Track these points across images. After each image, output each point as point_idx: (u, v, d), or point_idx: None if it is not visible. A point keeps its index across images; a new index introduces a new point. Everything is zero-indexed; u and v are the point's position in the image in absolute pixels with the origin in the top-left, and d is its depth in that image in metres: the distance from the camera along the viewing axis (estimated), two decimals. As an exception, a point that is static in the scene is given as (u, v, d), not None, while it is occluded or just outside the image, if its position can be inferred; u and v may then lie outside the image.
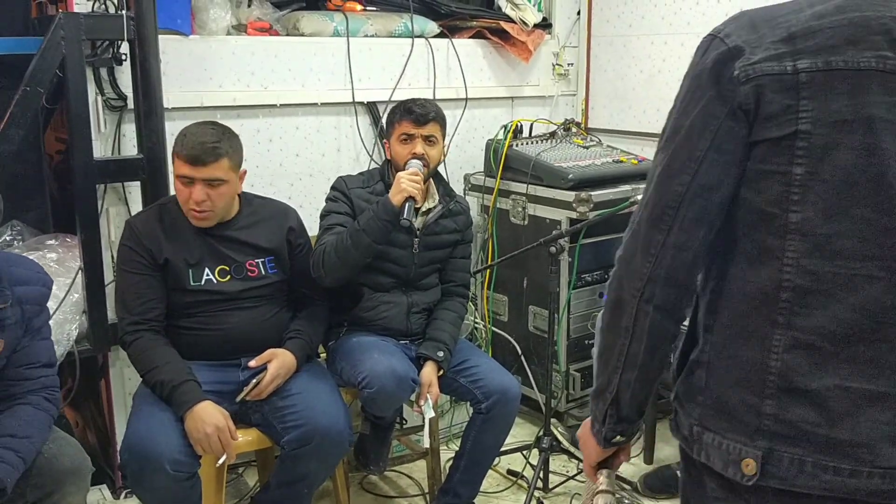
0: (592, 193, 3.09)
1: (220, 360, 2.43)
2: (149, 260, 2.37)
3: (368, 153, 3.36)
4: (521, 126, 3.53)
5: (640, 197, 1.26)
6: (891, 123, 1.07)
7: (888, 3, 1.10)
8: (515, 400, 2.63)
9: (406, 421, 3.03)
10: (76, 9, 2.57)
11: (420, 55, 3.41)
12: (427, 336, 2.67)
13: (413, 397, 2.59)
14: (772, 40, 1.11)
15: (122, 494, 2.76)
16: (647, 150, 3.51)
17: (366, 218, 2.49)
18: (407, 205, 2.45)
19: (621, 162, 3.36)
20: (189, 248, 2.41)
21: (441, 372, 2.59)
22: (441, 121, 2.66)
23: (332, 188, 2.70)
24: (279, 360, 2.41)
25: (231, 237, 2.46)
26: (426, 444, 2.67)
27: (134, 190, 2.80)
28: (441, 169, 2.84)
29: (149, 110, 2.62)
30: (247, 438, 2.40)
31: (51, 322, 2.25)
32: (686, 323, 1.28)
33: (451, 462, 2.75)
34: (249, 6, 3.10)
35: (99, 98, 2.72)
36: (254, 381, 2.37)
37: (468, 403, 2.73)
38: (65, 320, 2.55)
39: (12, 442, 1.98)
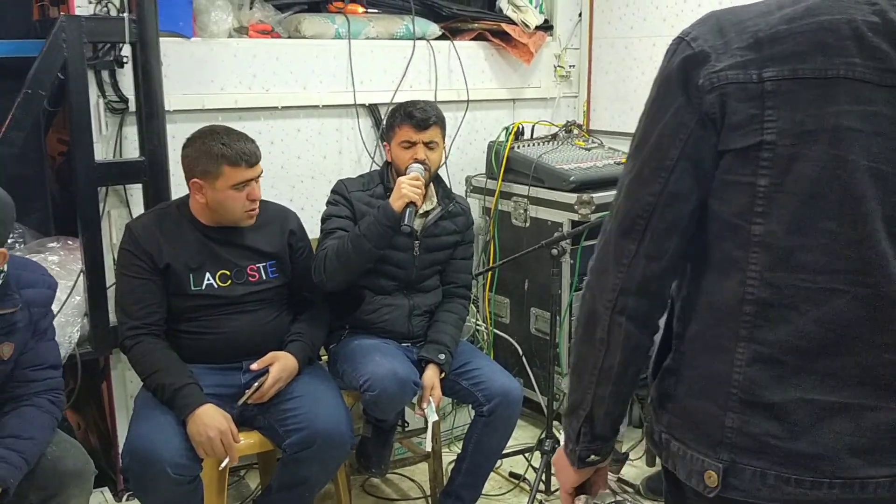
0: (594, 195, 3.08)
1: (222, 363, 2.43)
2: (149, 264, 2.37)
3: (370, 155, 3.36)
4: (523, 128, 3.52)
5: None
6: (860, 133, 1.04)
7: (859, 5, 1.06)
8: (517, 402, 2.62)
9: (408, 423, 3.02)
10: (78, 11, 2.57)
11: (421, 57, 3.40)
12: (428, 339, 2.67)
13: (415, 400, 2.59)
14: (738, 46, 1.07)
15: (124, 497, 2.76)
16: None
17: (367, 223, 2.48)
18: (408, 211, 2.44)
19: (623, 164, 3.35)
20: (190, 253, 2.40)
21: (443, 375, 2.59)
22: (441, 124, 2.65)
23: (333, 191, 2.70)
24: (281, 364, 2.40)
25: (233, 241, 2.46)
26: (429, 447, 2.67)
27: (136, 192, 2.80)
28: (442, 171, 2.84)
29: (150, 113, 2.62)
30: (248, 441, 2.39)
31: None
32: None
33: (452, 465, 2.75)
34: (251, 9, 3.11)
35: (100, 101, 2.72)
36: (256, 384, 2.36)
37: (470, 406, 2.73)
38: (66, 323, 2.55)
39: (16, 443, 1.98)
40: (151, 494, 2.19)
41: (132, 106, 2.73)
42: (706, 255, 1.15)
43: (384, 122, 3.03)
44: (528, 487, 2.98)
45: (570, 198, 3.13)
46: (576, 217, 3.12)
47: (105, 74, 2.73)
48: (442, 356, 2.58)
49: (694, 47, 1.10)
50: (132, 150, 2.79)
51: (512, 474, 3.10)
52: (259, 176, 2.39)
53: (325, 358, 2.77)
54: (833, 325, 1.07)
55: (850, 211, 1.05)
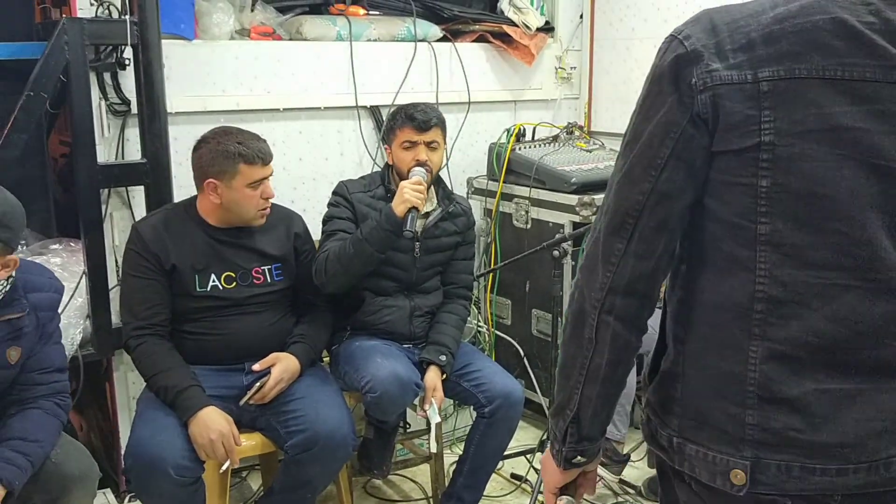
0: (595, 197, 3.08)
1: (224, 364, 2.44)
2: (155, 265, 2.37)
3: (372, 157, 3.37)
4: (524, 129, 3.53)
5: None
6: (861, 132, 1.04)
7: (854, 5, 1.05)
8: (519, 404, 2.62)
9: (409, 425, 3.02)
10: (80, 14, 2.58)
11: (423, 59, 3.41)
12: (429, 340, 2.67)
13: (416, 401, 2.59)
14: (731, 47, 1.07)
15: (126, 499, 2.76)
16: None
17: (368, 227, 2.48)
18: (410, 215, 2.44)
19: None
20: (196, 254, 2.41)
21: (444, 376, 2.59)
22: (442, 125, 2.66)
23: (334, 193, 2.70)
24: (283, 365, 2.41)
25: (240, 243, 2.47)
26: (433, 448, 2.67)
27: (137, 194, 2.80)
28: (444, 172, 2.84)
29: (152, 115, 2.62)
30: (250, 443, 2.40)
31: (58, 326, 2.26)
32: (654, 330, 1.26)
33: (454, 466, 2.75)
34: (252, 11, 3.11)
35: (102, 103, 2.72)
36: (257, 384, 2.37)
37: (471, 407, 2.73)
38: (69, 324, 2.56)
39: (22, 445, 1.99)
40: (154, 496, 2.19)
41: (134, 108, 2.73)
42: (703, 255, 1.15)
43: (384, 125, 3.04)
44: (529, 489, 2.98)
45: (572, 199, 3.13)
46: (577, 218, 3.12)
47: (107, 76, 2.73)
48: (443, 357, 2.59)
49: (686, 46, 1.09)
50: (134, 152, 2.80)
51: (513, 476, 3.09)
52: (271, 175, 2.41)
53: (326, 359, 2.77)
54: (844, 320, 1.07)
55: (856, 209, 1.05)
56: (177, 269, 2.38)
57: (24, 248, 2.64)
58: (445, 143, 2.73)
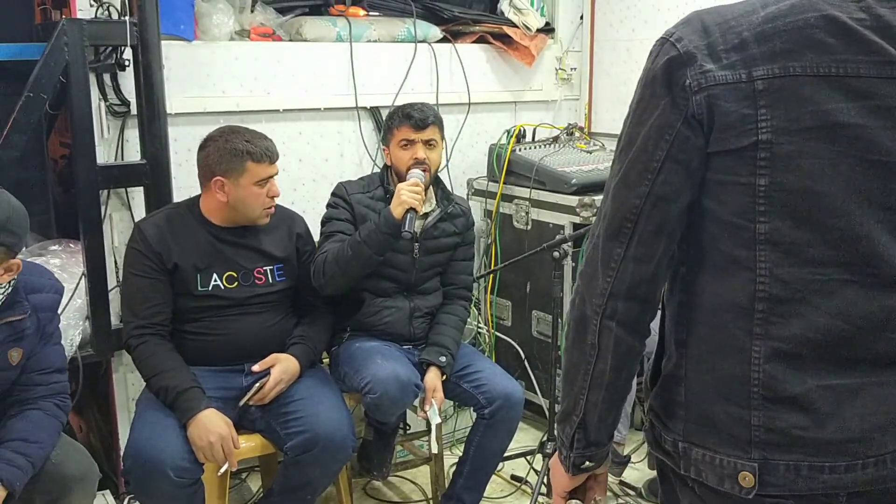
0: (595, 198, 3.08)
1: (224, 365, 2.43)
2: (157, 263, 2.37)
3: (371, 158, 3.36)
4: (525, 130, 3.53)
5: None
6: (859, 128, 1.04)
7: (844, 2, 1.05)
8: (519, 405, 2.62)
9: (409, 426, 3.02)
10: (79, 15, 2.58)
11: (423, 60, 3.41)
12: (429, 341, 2.67)
13: (416, 403, 2.59)
14: (724, 47, 1.07)
15: (126, 500, 2.76)
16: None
17: (367, 230, 2.48)
18: (408, 217, 2.44)
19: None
20: (199, 253, 2.41)
21: (444, 377, 2.59)
22: (439, 124, 2.66)
23: (333, 194, 2.70)
24: (282, 365, 2.41)
25: (243, 243, 2.47)
26: (434, 449, 2.66)
27: (137, 195, 2.80)
28: (444, 173, 2.84)
29: (152, 116, 2.62)
30: (250, 444, 2.40)
31: (58, 326, 2.26)
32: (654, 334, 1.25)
33: (454, 467, 2.75)
34: (252, 12, 3.11)
35: (102, 104, 2.72)
36: (257, 385, 2.36)
37: (471, 409, 2.72)
38: (68, 325, 2.55)
39: (22, 446, 1.99)
40: (153, 497, 2.19)
41: (133, 109, 2.73)
42: (702, 256, 1.14)
43: (383, 127, 3.04)
44: (529, 490, 2.97)
45: (572, 200, 3.13)
46: (577, 220, 3.12)
47: (107, 77, 2.73)
48: (443, 358, 2.58)
49: (679, 48, 1.09)
50: (133, 153, 2.80)
51: (514, 477, 3.09)
52: (277, 174, 2.42)
53: (326, 361, 2.77)
54: (844, 315, 1.07)
55: (854, 205, 1.05)
56: (179, 267, 2.38)
57: (24, 248, 2.63)
58: (444, 142, 2.73)
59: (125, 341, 2.40)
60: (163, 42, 2.63)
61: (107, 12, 2.62)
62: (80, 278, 2.63)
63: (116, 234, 2.80)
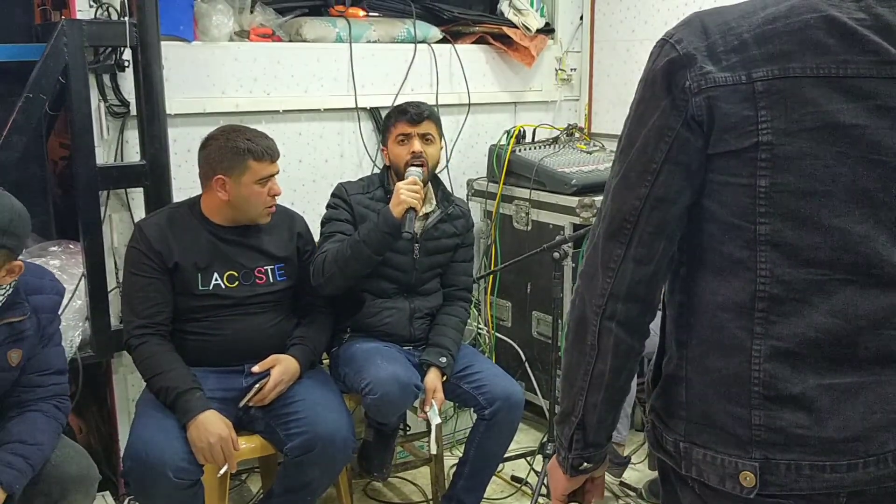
0: (595, 199, 3.08)
1: (224, 366, 2.43)
2: (158, 263, 2.37)
3: (371, 159, 3.36)
4: (524, 131, 3.52)
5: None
6: (860, 129, 1.04)
7: (843, 3, 1.05)
8: (519, 406, 2.62)
9: (409, 427, 3.02)
10: (79, 16, 2.57)
11: (423, 61, 3.41)
12: (430, 342, 2.67)
13: (417, 403, 2.58)
14: (724, 49, 1.07)
15: (125, 501, 2.75)
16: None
17: (366, 230, 2.48)
18: (408, 216, 2.44)
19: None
20: (199, 252, 2.41)
21: (444, 378, 2.59)
22: (436, 119, 2.67)
23: (333, 195, 2.70)
24: (282, 366, 2.40)
25: (244, 242, 2.47)
26: (434, 450, 2.66)
27: (137, 196, 2.80)
28: (444, 174, 2.84)
29: (151, 116, 2.62)
30: (250, 445, 2.39)
31: (58, 328, 2.26)
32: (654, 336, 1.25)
33: (454, 468, 2.75)
34: (252, 12, 3.11)
35: (102, 104, 2.72)
36: (256, 385, 2.36)
37: (472, 409, 2.72)
38: (68, 327, 2.55)
39: (22, 448, 1.98)
40: (153, 498, 2.19)
41: (133, 110, 2.73)
42: (702, 257, 1.14)
43: (381, 129, 3.04)
44: (529, 491, 2.97)
45: (572, 201, 3.13)
46: (577, 220, 3.12)
47: (106, 78, 2.73)
48: (443, 359, 2.58)
49: (679, 49, 1.09)
50: (133, 154, 2.80)
51: (514, 478, 3.09)
52: (278, 172, 2.42)
53: (326, 362, 2.76)
54: (845, 314, 1.07)
55: (855, 207, 1.05)
56: (179, 267, 2.38)
57: (24, 250, 2.63)
58: (442, 140, 2.74)
59: (125, 341, 2.40)
60: (162, 43, 2.63)
61: (106, 13, 2.62)
62: (80, 279, 2.63)
63: (116, 234, 2.80)
